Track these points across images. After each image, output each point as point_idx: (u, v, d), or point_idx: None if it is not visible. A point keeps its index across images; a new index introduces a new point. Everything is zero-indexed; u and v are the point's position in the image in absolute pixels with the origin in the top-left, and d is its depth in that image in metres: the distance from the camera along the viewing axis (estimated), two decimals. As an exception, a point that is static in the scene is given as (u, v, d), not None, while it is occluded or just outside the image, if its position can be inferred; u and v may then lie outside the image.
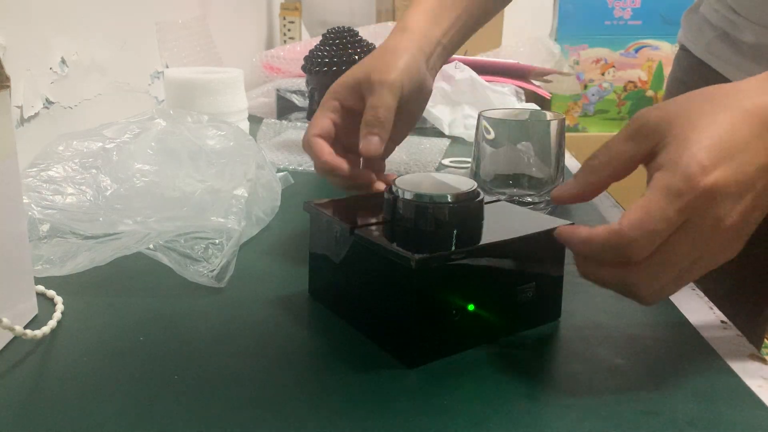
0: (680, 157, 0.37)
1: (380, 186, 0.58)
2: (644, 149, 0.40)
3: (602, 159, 0.42)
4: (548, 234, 0.45)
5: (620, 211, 0.76)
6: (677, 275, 0.39)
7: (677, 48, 0.88)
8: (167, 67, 1.13)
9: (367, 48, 0.93)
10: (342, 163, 0.57)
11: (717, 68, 0.78)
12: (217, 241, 0.55)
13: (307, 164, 0.91)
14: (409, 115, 0.62)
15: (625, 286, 0.40)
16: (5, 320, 0.41)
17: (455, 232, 0.44)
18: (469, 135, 1.08)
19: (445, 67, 1.13)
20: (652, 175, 0.39)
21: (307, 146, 0.58)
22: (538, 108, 1.14)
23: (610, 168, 0.41)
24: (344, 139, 0.59)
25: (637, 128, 0.41)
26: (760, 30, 0.71)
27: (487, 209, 0.49)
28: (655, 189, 0.38)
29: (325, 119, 0.58)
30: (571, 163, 0.99)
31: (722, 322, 0.50)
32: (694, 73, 0.82)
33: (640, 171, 0.43)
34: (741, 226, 0.39)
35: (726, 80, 0.77)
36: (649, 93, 2.13)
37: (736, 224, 0.38)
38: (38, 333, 0.43)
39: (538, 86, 1.34)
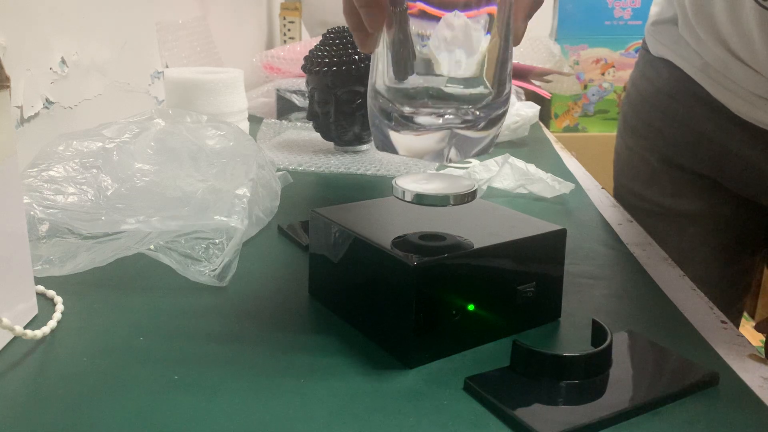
0: None
1: None
2: None
3: None
4: (546, 236, 0.46)
5: (619, 210, 0.76)
6: None
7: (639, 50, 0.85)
8: (167, 67, 1.13)
9: (367, 48, 0.93)
10: None
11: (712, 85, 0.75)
12: (217, 241, 0.55)
13: (306, 164, 0.91)
14: None
15: None
16: (5, 320, 0.41)
17: None
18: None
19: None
20: None
21: None
22: (538, 107, 1.14)
23: None
24: None
25: None
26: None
27: (486, 211, 0.49)
28: None
29: None
30: (571, 163, 0.99)
31: (722, 322, 0.50)
32: (681, 88, 0.79)
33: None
34: None
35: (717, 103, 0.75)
36: (649, 93, 2.13)
37: None
38: (38, 333, 0.43)
39: (538, 86, 1.34)
